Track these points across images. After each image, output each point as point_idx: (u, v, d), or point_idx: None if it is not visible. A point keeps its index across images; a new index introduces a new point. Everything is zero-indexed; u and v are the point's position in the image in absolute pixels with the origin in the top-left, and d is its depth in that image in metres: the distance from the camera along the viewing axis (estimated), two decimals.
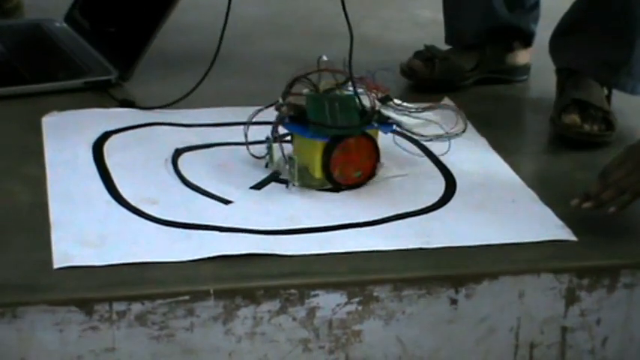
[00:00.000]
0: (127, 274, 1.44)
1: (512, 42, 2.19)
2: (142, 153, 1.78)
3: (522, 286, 1.51)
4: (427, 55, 2.15)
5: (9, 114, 1.93)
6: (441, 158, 1.82)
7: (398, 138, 1.77)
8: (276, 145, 1.70)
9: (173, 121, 1.90)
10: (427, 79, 2.13)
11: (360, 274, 1.48)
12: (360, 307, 1.47)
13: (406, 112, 1.72)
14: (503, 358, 1.54)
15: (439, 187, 1.74)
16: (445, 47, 2.20)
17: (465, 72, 2.16)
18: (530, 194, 1.72)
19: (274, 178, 1.72)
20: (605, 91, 1.99)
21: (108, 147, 1.80)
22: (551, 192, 1.72)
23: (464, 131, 1.74)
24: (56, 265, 1.45)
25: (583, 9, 2.02)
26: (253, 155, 1.73)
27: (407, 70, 2.15)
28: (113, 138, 1.83)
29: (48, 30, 2.29)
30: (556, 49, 2.08)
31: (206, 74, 1.61)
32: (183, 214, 1.59)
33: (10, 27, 2.35)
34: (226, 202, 1.64)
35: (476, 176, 1.78)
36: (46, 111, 1.91)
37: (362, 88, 1.70)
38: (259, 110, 1.72)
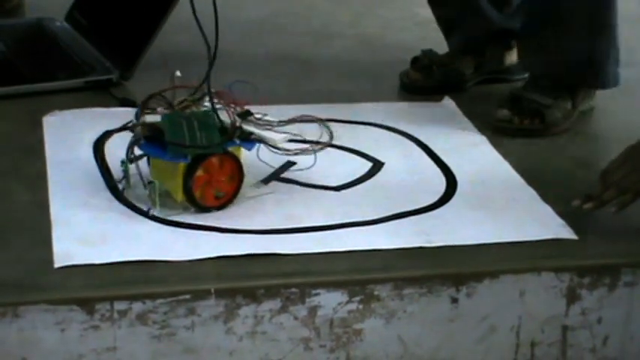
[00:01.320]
0: (128, 273, 1.44)
1: (509, 41, 2.18)
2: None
3: (523, 284, 1.51)
4: (425, 61, 2.14)
5: (10, 113, 1.93)
6: (442, 157, 1.83)
7: (261, 153, 1.65)
8: (133, 167, 1.61)
9: None
10: (427, 87, 2.13)
11: (361, 273, 1.48)
12: (361, 306, 1.47)
13: (268, 127, 1.62)
14: (504, 357, 1.54)
15: (440, 185, 1.74)
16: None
17: (464, 76, 2.15)
18: (531, 193, 1.72)
19: (274, 177, 1.71)
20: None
21: (109, 146, 1.80)
22: (551, 190, 1.72)
23: (330, 144, 1.67)
24: (57, 264, 1.45)
25: (530, 12, 2.04)
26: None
27: (407, 83, 2.15)
28: (114, 137, 1.83)
29: (49, 29, 2.29)
30: (518, 49, 2.12)
31: (207, 76, 1.60)
32: (183, 214, 1.59)
33: (11, 26, 2.35)
34: None
35: (476, 175, 1.78)
36: (47, 110, 1.91)
37: (220, 103, 1.59)
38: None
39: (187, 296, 1.42)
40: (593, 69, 2.00)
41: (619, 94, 2.12)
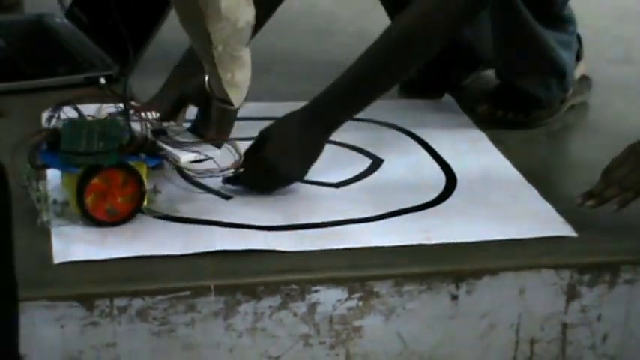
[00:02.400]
0: (128, 270, 1.44)
1: None
2: None
3: (523, 281, 1.51)
4: None
5: (9, 109, 1.93)
6: (441, 154, 1.83)
7: (169, 174, 1.62)
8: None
9: None
10: (427, 86, 2.12)
11: (360, 270, 1.48)
12: (360, 303, 1.47)
13: (181, 147, 1.56)
14: (503, 354, 1.54)
15: (439, 182, 1.74)
16: None
17: (463, 73, 2.15)
18: (531, 190, 1.72)
19: None
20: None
21: None
22: (551, 188, 1.73)
23: (238, 169, 1.62)
24: (56, 259, 1.45)
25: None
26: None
27: (406, 80, 2.14)
28: None
29: (49, 25, 2.28)
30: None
31: (125, 86, 1.61)
32: (183, 209, 1.59)
33: (11, 22, 2.35)
34: (226, 197, 1.64)
35: (476, 172, 1.78)
36: (47, 106, 1.91)
37: (135, 117, 1.53)
38: None
39: (187, 292, 1.42)
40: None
41: (617, 91, 2.12)
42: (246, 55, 1.56)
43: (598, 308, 1.55)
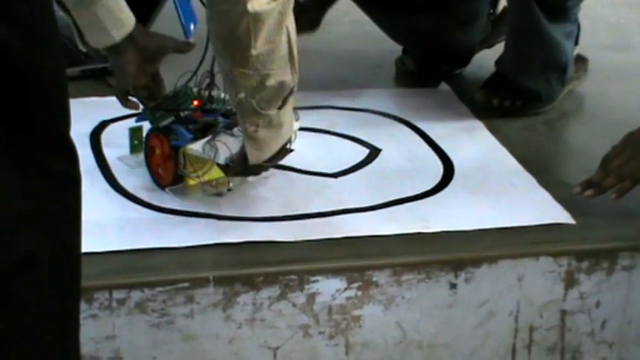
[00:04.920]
0: (127, 262, 1.44)
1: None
2: None
3: (521, 269, 1.51)
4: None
5: None
6: (439, 142, 1.83)
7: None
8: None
9: None
10: (424, 74, 2.12)
11: (359, 260, 1.48)
12: (359, 293, 1.47)
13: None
14: (502, 342, 1.54)
15: (437, 171, 1.74)
16: None
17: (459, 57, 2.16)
18: (529, 178, 1.72)
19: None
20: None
21: (105, 136, 1.80)
22: (549, 175, 1.73)
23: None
24: None
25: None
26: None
27: (403, 70, 2.14)
28: (110, 127, 1.83)
29: None
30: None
31: (201, 63, 1.61)
32: (181, 202, 1.59)
33: None
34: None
35: (474, 160, 1.78)
36: None
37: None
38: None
39: (186, 284, 1.42)
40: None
41: (615, 79, 2.12)
42: (279, 117, 1.46)
43: (596, 295, 1.55)
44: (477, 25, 2.11)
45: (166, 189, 1.61)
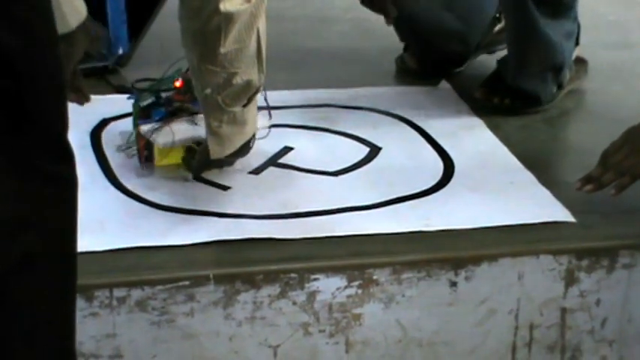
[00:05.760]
0: (127, 260, 1.44)
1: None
2: None
3: (521, 267, 1.51)
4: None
5: None
6: (439, 141, 1.83)
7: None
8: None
9: None
10: (424, 72, 2.12)
11: (359, 258, 1.48)
12: (359, 291, 1.47)
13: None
14: (503, 340, 1.54)
15: (437, 169, 1.74)
16: None
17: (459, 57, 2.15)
18: (529, 176, 1.72)
19: (272, 163, 1.72)
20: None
21: (106, 134, 1.80)
22: (549, 173, 1.73)
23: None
24: None
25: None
26: None
27: (404, 68, 2.14)
28: (111, 125, 1.83)
29: None
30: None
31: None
32: (181, 200, 1.59)
33: None
34: (225, 187, 1.64)
35: (474, 158, 1.78)
36: None
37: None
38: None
39: (186, 282, 1.42)
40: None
41: (614, 76, 2.12)
42: (243, 114, 1.48)
43: (597, 293, 1.55)
44: (476, 23, 2.11)
45: (141, 166, 1.67)
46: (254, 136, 1.58)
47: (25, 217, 1.04)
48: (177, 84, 1.68)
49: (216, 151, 1.52)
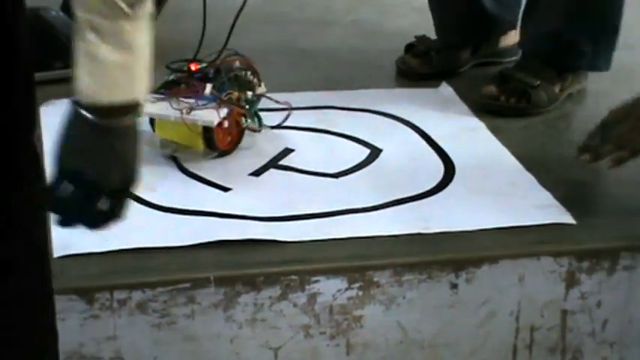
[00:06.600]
0: (128, 262, 1.44)
1: (503, 27, 2.18)
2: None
3: (522, 269, 1.51)
4: (421, 48, 2.14)
5: None
6: (440, 142, 1.83)
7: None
8: None
9: None
10: (426, 74, 2.12)
11: (360, 260, 1.48)
12: (360, 293, 1.47)
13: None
14: (504, 342, 1.54)
15: (438, 171, 1.74)
16: None
17: (460, 61, 2.15)
18: (529, 178, 1.72)
19: (273, 164, 1.72)
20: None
21: None
22: (550, 175, 1.72)
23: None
24: (56, 253, 1.44)
25: None
26: None
27: (404, 69, 2.14)
28: None
29: (44, 18, 2.28)
30: (520, 27, 2.13)
31: (196, 54, 1.64)
32: (182, 201, 1.59)
33: None
34: (225, 189, 1.64)
35: (475, 160, 1.78)
36: (43, 100, 1.91)
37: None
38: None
39: (187, 284, 1.42)
40: (572, 51, 1.99)
41: (617, 77, 2.11)
42: (105, 50, 1.09)
43: (597, 295, 1.55)
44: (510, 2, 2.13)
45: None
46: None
47: (3, 222, 1.04)
48: (193, 68, 1.72)
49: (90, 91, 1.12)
